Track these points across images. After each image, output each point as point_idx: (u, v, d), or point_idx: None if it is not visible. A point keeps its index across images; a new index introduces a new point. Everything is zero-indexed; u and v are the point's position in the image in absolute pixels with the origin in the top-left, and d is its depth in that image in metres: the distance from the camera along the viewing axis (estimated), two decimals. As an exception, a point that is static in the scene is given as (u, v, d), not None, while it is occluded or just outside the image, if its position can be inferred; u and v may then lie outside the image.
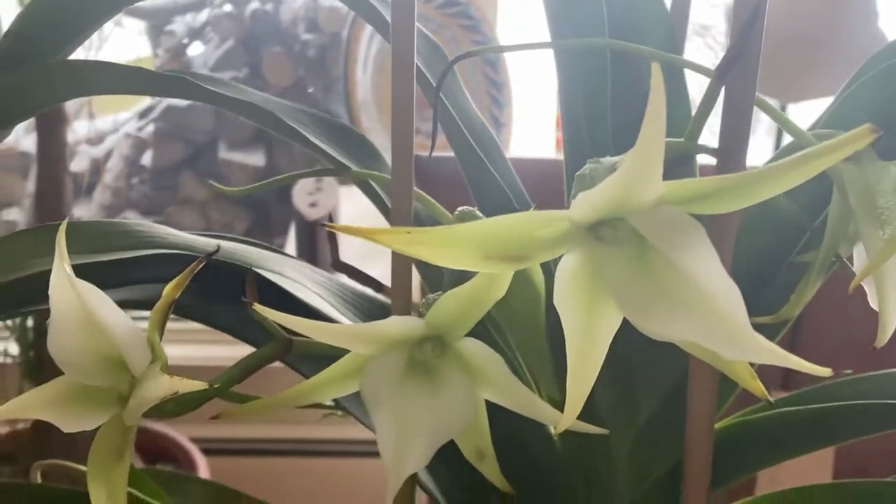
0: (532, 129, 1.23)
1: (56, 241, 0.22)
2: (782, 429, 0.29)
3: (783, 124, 0.23)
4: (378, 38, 1.25)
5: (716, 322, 0.18)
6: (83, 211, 1.51)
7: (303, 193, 1.09)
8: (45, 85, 0.30)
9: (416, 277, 0.29)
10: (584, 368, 0.20)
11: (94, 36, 0.52)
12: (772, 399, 0.22)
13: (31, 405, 0.23)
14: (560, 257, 0.19)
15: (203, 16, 1.57)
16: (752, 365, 0.22)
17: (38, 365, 1.08)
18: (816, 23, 0.69)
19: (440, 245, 0.19)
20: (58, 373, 0.75)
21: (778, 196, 0.27)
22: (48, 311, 0.22)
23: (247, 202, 1.50)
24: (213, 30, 1.56)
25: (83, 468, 0.37)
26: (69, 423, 0.23)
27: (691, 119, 0.23)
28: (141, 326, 0.23)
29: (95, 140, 1.56)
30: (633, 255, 0.19)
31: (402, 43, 0.23)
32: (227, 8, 1.54)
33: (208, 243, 0.28)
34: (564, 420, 0.20)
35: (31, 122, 1.40)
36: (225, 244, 0.28)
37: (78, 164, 1.52)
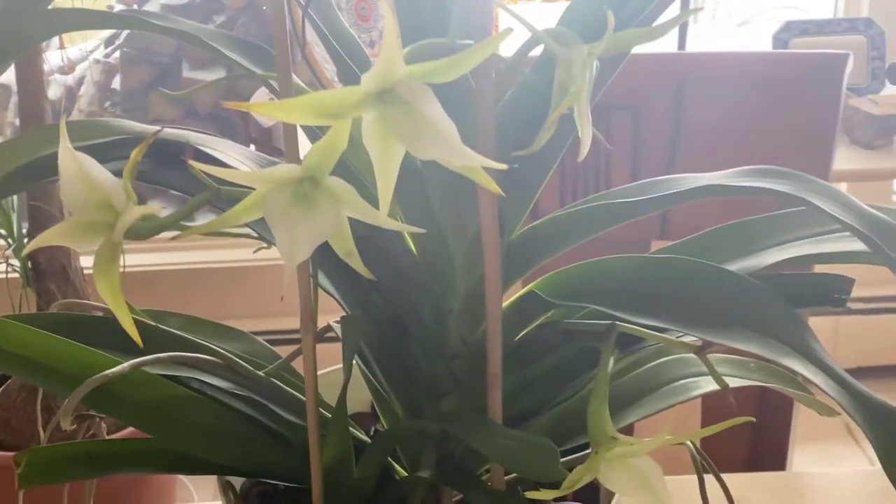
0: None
1: (59, 130, 0.35)
2: (557, 228, 0.43)
3: (520, 20, 0.36)
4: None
5: (445, 143, 0.31)
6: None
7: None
8: (34, 27, 0.43)
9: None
10: (386, 177, 0.33)
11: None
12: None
13: (56, 235, 0.36)
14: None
15: (157, -56, 1.65)
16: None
17: (35, 272, 1.21)
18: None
19: (291, 110, 0.32)
20: (52, 278, 0.92)
21: (532, 79, 0.40)
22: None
23: (213, 118, 1.61)
24: (168, -43, 1.64)
25: (96, 304, 0.51)
26: (79, 245, 0.37)
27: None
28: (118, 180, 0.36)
29: (67, 69, 1.67)
30: (404, 111, 0.32)
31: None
32: (179, -65, 1.62)
33: (159, 129, 0.41)
34: (382, 206, 0.34)
35: (5, 55, 1.50)
36: (171, 130, 0.41)
37: (53, 93, 1.63)
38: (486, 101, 0.37)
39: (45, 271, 1.18)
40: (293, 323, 0.43)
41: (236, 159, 0.43)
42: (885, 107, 1.57)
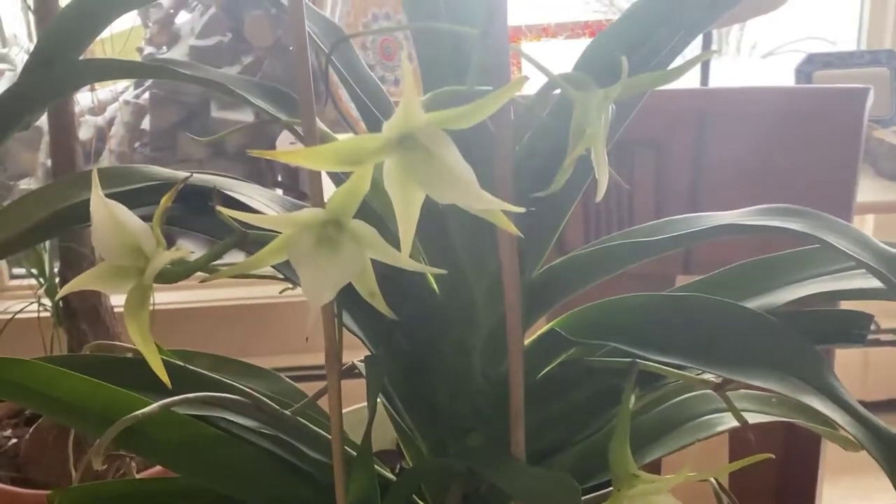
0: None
1: (91, 178, 0.37)
2: (577, 266, 0.43)
3: (536, 66, 0.37)
4: (343, -2, 1.38)
5: (464, 187, 0.32)
6: (93, 176, 1.66)
7: (285, 144, 1.23)
8: (67, 78, 0.44)
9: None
10: (407, 221, 0.34)
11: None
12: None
13: (88, 280, 0.37)
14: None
15: (185, -12, 1.68)
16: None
17: (66, 312, 1.23)
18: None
19: (315, 157, 0.33)
20: (83, 318, 0.94)
21: (549, 122, 0.41)
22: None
23: (240, 156, 1.64)
24: None
25: (126, 345, 0.52)
26: (110, 290, 0.38)
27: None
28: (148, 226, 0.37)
29: (98, 110, 1.70)
30: (423, 157, 0.33)
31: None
32: (207, -21, 1.65)
33: (188, 176, 0.42)
34: (403, 249, 0.34)
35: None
36: (199, 175, 0.43)
37: (84, 133, 1.66)
38: (505, 144, 0.37)
39: (77, 311, 1.20)
40: (316, 359, 0.44)
41: (262, 203, 0.44)
42: (909, 137, 1.56)
